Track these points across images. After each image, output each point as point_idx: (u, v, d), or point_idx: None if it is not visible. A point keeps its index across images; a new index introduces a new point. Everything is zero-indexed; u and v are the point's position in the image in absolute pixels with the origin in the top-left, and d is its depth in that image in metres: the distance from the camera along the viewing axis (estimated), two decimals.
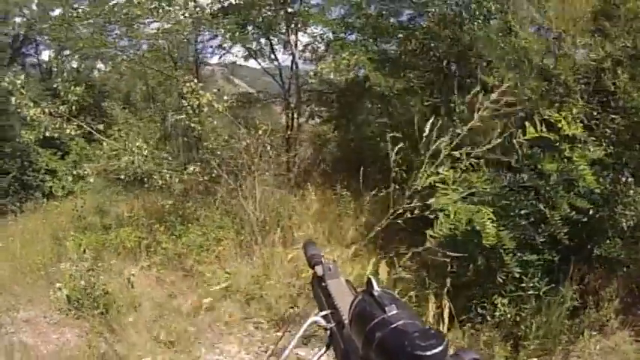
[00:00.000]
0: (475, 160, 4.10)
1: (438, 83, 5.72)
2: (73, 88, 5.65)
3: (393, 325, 0.55)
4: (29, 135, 5.70)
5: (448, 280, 3.98)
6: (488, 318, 3.97)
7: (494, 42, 4.65)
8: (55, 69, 9.32)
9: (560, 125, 3.75)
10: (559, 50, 4.43)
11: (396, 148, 4.38)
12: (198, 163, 5.70)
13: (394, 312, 0.57)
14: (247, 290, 4.88)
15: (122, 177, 5.79)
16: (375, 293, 0.60)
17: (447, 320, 3.81)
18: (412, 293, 4.01)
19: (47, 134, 5.54)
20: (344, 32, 6.02)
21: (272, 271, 5.02)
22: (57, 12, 7.48)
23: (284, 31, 6.25)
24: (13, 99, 5.51)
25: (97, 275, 4.76)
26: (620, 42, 4.33)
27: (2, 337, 4.58)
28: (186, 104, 5.21)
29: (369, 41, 5.83)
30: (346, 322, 0.71)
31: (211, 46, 6.86)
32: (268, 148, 5.65)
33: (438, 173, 4.03)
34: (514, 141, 3.93)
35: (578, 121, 4.27)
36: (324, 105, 6.94)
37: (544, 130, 3.74)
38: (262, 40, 6.67)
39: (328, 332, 0.77)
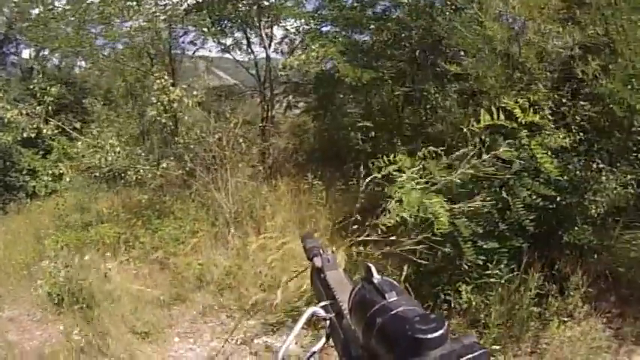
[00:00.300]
0: (434, 149, 4.12)
1: (410, 73, 5.81)
2: (48, 89, 5.76)
3: (393, 311, 0.56)
4: (7, 137, 5.83)
5: (406, 267, 4.06)
6: (455, 305, 4.03)
7: (460, 32, 4.71)
8: (36, 67, 9.41)
9: (515, 113, 3.74)
10: (523, 38, 4.47)
11: (361, 137, 4.46)
12: (172, 158, 5.83)
13: (394, 298, 0.58)
14: (220, 280, 5.04)
15: (97, 174, 5.88)
16: (375, 281, 0.62)
17: None
18: None
19: (25, 135, 5.67)
20: (318, 25, 6.11)
21: (244, 261, 5.17)
22: (36, 11, 7.55)
23: (258, 25, 6.33)
24: None
25: (75, 271, 4.91)
26: (590, 29, 4.37)
27: None
28: (156, 101, 5.32)
29: (341, 33, 5.92)
30: (345, 312, 0.73)
31: (183, 42, 6.97)
32: (240, 140, 5.78)
33: (395, 162, 4.11)
34: (467, 128, 3.93)
35: (543, 108, 4.40)
36: (301, 96, 7.06)
37: (501, 117, 3.83)
38: (238, 34, 6.77)
39: (328, 323, 0.78)
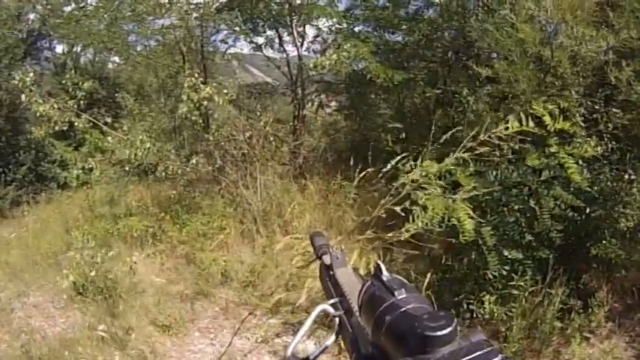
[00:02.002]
0: (462, 155, 4.08)
1: (442, 75, 5.90)
2: (81, 83, 6.10)
3: (402, 309, 0.58)
4: (39, 131, 6.21)
5: (429, 274, 4.14)
6: (477, 315, 4.05)
7: (492, 34, 4.77)
8: (69, 63, 9.87)
9: (545, 120, 3.76)
10: (555, 42, 4.49)
11: (392, 139, 4.54)
12: (202, 155, 6.09)
13: (403, 296, 0.60)
14: (244, 277, 5.25)
15: (127, 168, 6.20)
16: (384, 278, 0.63)
17: None
18: None
19: (57, 129, 6.03)
20: (350, 24, 6.28)
21: (270, 260, 5.38)
22: (69, 8, 7.98)
23: (289, 23, 6.53)
24: (22, 96, 5.98)
25: (101, 262, 5.22)
26: (625, 33, 4.31)
27: (12, 321, 5.08)
28: (186, 98, 5.58)
29: (373, 33, 6.06)
30: (355, 309, 0.75)
31: (215, 40, 7.23)
32: (271, 138, 5.99)
33: (422, 167, 4.14)
34: (495, 135, 3.95)
35: (574, 115, 4.40)
36: (332, 95, 7.23)
37: (530, 124, 3.80)
38: (270, 33, 6.99)
39: (337, 321, 0.79)
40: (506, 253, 4.00)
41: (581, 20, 4.44)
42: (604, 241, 4.07)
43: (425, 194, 4.01)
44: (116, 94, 9.03)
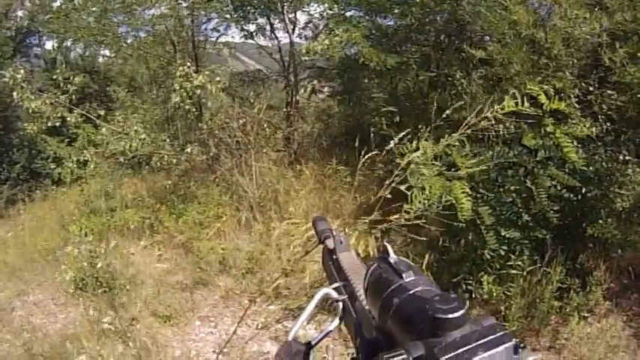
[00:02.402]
0: (458, 136, 4.06)
1: (435, 58, 5.87)
2: (72, 78, 6.03)
3: (411, 291, 0.56)
4: (32, 127, 6.15)
5: (427, 255, 4.15)
6: (475, 296, 4.05)
7: (485, 16, 4.76)
8: (59, 58, 9.75)
9: (540, 100, 3.70)
10: (549, 23, 4.47)
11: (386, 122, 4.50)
12: (196, 144, 6.05)
13: (412, 278, 0.58)
14: (243, 265, 5.24)
15: (121, 160, 6.15)
16: (391, 260, 0.62)
17: None
18: None
19: (49, 124, 5.97)
20: (342, 9, 6.22)
21: (267, 247, 5.37)
22: (57, 3, 7.89)
23: (281, 10, 6.46)
24: (14, 94, 5.91)
25: (99, 256, 5.20)
26: (618, 16, 4.28)
27: (13, 320, 5.04)
28: (179, 87, 5.53)
29: (364, 17, 6.01)
30: (359, 294, 0.74)
31: (206, 29, 7.15)
32: (265, 125, 5.96)
33: (418, 149, 4.19)
34: (490, 114, 3.92)
35: (569, 96, 4.39)
36: (325, 81, 7.18)
37: (525, 104, 3.85)
38: (261, 20, 6.92)
39: (340, 305, 0.78)
40: (503, 232, 3.99)
41: (575, 2, 4.41)
42: (600, 221, 4.11)
43: (421, 174, 3.96)
44: (107, 88, 8.95)
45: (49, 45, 10.74)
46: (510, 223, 4.05)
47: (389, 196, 4.00)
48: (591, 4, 4.48)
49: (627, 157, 4.30)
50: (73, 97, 6.10)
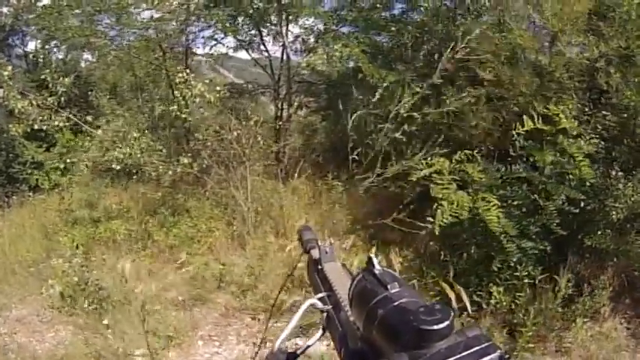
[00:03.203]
0: (469, 152, 4.04)
1: (429, 76, 5.57)
2: (61, 79, 5.32)
3: (395, 303, 0.52)
4: (17, 128, 5.38)
5: (451, 268, 3.93)
6: (484, 306, 3.90)
7: (487, 37, 4.55)
8: (42, 60, 8.81)
9: (557, 119, 3.75)
10: (553, 48, 4.33)
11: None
12: (189, 155, 5.44)
13: (396, 289, 0.54)
14: (241, 281, 4.70)
15: (116, 168, 5.45)
16: (376, 272, 0.57)
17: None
18: (414, 282, 3.90)
19: (36, 127, 5.23)
20: (335, 24, 5.82)
21: (266, 262, 4.85)
22: (44, 2, 7.10)
23: (275, 22, 5.97)
24: (0, 91, 5.17)
25: (90, 270, 4.52)
26: (614, 42, 4.30)
27: None
28: (178, 95, 4.95)
29: (361, 34, 5.63)
30: (344, 304, 0.68)
31: (202, 37, 6.56)
32: (259, 138, 5.44)
33: (432, 165, 3.99)
34: (514, 132, 3.87)
35: (573, 116, 4.27)
36: (312, 96, 6.74)
37: (540, 123, 3.74)
38: (253, 32, 6.40)
39: (325, 315, 0.73)
40: (521, 243, 3.87)
41: (576, 29, 4.32)
42: (599, 232, 4.10)
43: (444, 188, 3.91)
44: (89, 93, 8.11)
45: (31, 46, 9.73)
46: (522, 235, 3.94)
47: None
48: (588, 31, 4.39)
49: (619, 174, 4.28)
50: (62, 99, 5.37)
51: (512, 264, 3.89)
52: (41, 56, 8.97)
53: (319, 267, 0.81)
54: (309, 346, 0.73)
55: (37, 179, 7.35)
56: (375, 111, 5.22)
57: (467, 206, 3.71)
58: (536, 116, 3.71)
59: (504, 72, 4.37)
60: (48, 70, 5.58)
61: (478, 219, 3.84)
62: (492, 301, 3.87)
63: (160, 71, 6.67)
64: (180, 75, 5.02)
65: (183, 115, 5.13)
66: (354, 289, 0.59)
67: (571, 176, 4.05)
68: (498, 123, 4.55)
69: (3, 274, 5.34)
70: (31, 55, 9.27)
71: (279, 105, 6.30)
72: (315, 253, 0.84)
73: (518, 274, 3.87)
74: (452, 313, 0.46)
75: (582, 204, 4.05)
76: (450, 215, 3.68)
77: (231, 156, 5.35)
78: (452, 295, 3.68)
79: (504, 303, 3.85)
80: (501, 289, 3.89)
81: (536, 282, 3.87)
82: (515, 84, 4.35)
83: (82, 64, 9.36)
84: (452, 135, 4.72)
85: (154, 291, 4.83)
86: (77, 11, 5.81)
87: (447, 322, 0.45)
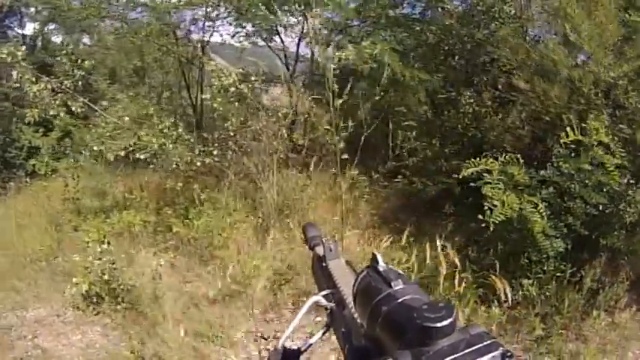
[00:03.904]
0: (513, 155, 4.01)
1: (450, 78, 5.36)
2: (80, 61, 4.67)
3: (399, 300, 0.48)
4: (33, 114, 4.67)
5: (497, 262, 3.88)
6: (516, 299, 3.88)
7: (520, 47, 4.41)
8: (40, 43, 7.81)
9: (594, 132, 3.81)
10: (585, 66, 4.26)
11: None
12: (216, 145, 4.92)
13: (400, 287, 0.50)
14: (274, 275, 4.33)
15: (141, 157, 4.86)
16: (380, 268, 0.53)
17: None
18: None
19: (52, 113, 4.57)
20: (360, 20, 5.44)
21: (294, 255, 4.50)
22: None
23: (300, 12, 5.47)
24: (14, 73, 4.48)
25: (119, 267, 4.00)
26: (635, 63, 4.28)
27: (14, 343, 3.70)
28: (216, 83, 4.44)
29: (386, 32, 5.29)
30: (347, 301, 0.64)
31: (225, 23, 5.94)
32: (283, 130, 5.02)
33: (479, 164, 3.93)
34: (561, 142, 3.88)
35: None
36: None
37: (578, 134, 3.80)
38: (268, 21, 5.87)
39: (328, 312, 0.69)
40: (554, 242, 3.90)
41: (605, 49, 4.28)
42: (615, 233, 4.15)
43: (496, 188, 3.87)
44: (88, 77, 7.28)
45: (29, 28, 8.56)
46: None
47: None
48: (611, 51, 4.33)
49: (631, 181, 4.34)
50: (79, 83, 4.73)
51: (542, 259, 3.95)
52: (39, 38, 7.95)
53: (323, 264, 0.76)
54: (312, 343, 0.67)
55: (33, 164, 6.55)
56: (399, 108, 4.92)
57: (516, 206, 3.69)
58: (575, 128, 3.77)
59: (537, 82, 4.27)
60: (64, 52, 4.87)
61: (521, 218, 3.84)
62: (521, 294, 3.91)
63: (171, 56, 6.06)
64: (212, 63, 4.51)
65: (215, 105, 4.62)
66: (357, 286, 0.55)
67: (592, 182, 4.07)
68: (531, 129, 4.43)
69: (11, 268, 4.70)
70: (28, 38, 8.15)
71: (298, 97, 5.82)
72: (319, 250, 0.78)
73: (545, 268, 3.96)
74: (455, 311, 0.43)
75: (601, 207, 4.10)
76: (501, 213, 3.64)
77: (259, 147, 4.90)
78: (500, 286, 3.62)
79: (534, 294, 3.89)
80: (530, 282, 3.94)
81: (565, 276, 3.93)
82: (547, 95, 4.26)
83: (81, 47, 8.38)
84: (485, 138, 4.55)
85: (181, 287, 4.40)
86: None
87: (450, 320, 0.42)
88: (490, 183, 3.86)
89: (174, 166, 4.87)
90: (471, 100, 4.94)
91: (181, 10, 5.19)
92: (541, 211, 3.77)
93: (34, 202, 5.80)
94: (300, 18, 5.65)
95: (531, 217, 3.69)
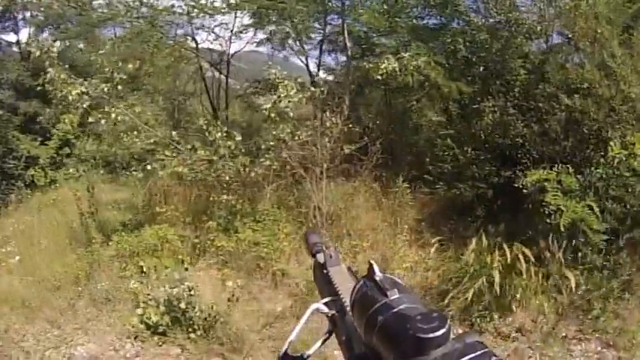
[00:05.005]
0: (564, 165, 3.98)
1: (482, 89, 5.15)
2: (121, 64, 3.79)
3: (394, 310, 0.44)
4: (71, 119, 3.70)
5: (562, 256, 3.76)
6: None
7: (558, 66, 4.33)
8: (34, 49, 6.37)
9: (631, 145, 3.82)
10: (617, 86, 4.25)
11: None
12: (267, 155, 4.23)
13: (396, 296, 0.45)
14: None
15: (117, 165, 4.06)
16: (377, 278, 0.47)
17: None
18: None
19: (91, 119, 3.65)
20: (389, 31, 5.03)
21: (360, 264, 4.02)
22: None
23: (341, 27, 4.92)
24: (51, 71, 3.50)
25: (195, 292, 3.21)
26: None
27: None
28: (282, 93, 3.79)
29: (417, 43, 4.92)
30: (348, 308, 0.56)
31: (248, 31, 5.21)
32: (326, 140, 4.48)
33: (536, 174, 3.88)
34: (609, 154, 3.87)
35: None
36: (367, 101, 5.79)
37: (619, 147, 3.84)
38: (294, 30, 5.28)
39: (330, 319, 0.61)
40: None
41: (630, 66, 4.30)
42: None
43: (552, 195, 3.82)
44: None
45: (24, 34, 6.97)
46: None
47: None
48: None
49: None
50: (119, 87, 3.86)
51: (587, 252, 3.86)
52: (34, 44, 6.49)
53: (324, 271, 0.67)
54: (315, 350, 0.57)
55: (32, 175, 5.32)
56: (437, 118, 4.61)
57: (579, 210, 3.69)
58: (615, 142, 3.83)
59: (578, 100, 4.22)
60: (102, 52, 3.93)
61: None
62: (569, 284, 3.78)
63: (184, 62, 5.25)
64: (273, 72, 3.86)
65: (272, 114, 3.94)
66: (355, 296, 0.49)
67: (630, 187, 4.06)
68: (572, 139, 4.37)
69: (40, 295, 3.67)
70: (24, 44, 6.57)
71: (331, 108, 5.22)
72: (320, 257, 0.70)
73: (589, 259, 3.87)
74: (448, 321, 0.39)
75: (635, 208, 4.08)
76: (567, 216, 3.63)
77: (304, 157, 4.32)
78: (571, 276, 3.62)
79: (581, 283, 3.82)
80: (577, 272, 3.85)
81: (605, 265, 3.87)
82: (587, 111, 4.21)
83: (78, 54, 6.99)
84: (517, 146, 4.48)
85: (245, 304, 3.70)
86: None
87: (443, 330, 0.38)
88: (550, 191, 3.81)
89: (227, 178, 4.11)
90: (500, 111, 4.78)
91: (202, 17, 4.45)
92: (595, 212, 3.76)
93: (44, 217, 4.66)
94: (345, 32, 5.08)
95: (588, 217, 3.72)
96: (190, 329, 3.21)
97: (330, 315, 0.60)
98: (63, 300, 3.67)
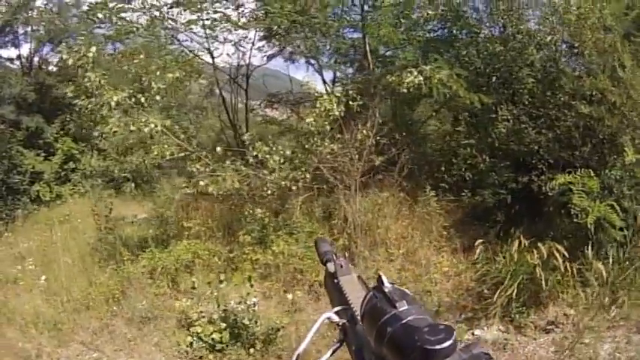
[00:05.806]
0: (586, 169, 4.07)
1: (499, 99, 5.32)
2: (160, 73, 3.61)
3: (403, 321, 0.45)
4: (108, 130, 3.46)
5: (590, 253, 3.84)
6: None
7: (571, 76, 4.57)
8: (37, 62, 5.91)
9: None
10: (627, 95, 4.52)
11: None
12: (303, 169, 4.13)
13: (404, 308, 0.46)
14: None
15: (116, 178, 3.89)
16: (386, 289, 0.48)
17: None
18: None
19: (133, 127, 3.43)
20: (406, 44, 5.15)
21: (392, 273, 3.98)
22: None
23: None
24: (90, 75, 3.28)
25: (252, 307, 3.03)
26: None
27: None
28: (321, 108, 3.76)
29: (435, 55, 5.06)
30: (359, 317, 0.57)
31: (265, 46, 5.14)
32: (356, 152, 4.46)
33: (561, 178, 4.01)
34: (627, 158, 3.99)
35: None
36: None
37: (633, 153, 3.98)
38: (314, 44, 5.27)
39: (341, 328, 0.61)
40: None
41: None
42: None
43: (579, 197, 3.95)
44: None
45: (25, 48, 6.46)
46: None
47: None
48: None
49: None
50: (158, 97, 3.67)
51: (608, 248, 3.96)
52: (36, 57, 6.04)
53: (335, 280, 0.69)
54: (327, 358, 0.60)
55: (37, 190, 4.89)
56: (457, 128, 4.73)
57: (602, 209, 3.82)
58: (630, 148, 3.97)
59: (592, 107, 4.39)
60: (136, 61, 3.74)
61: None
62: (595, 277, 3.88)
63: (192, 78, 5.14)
64: (311, 86, 3.83)
65: (312, 128, 3.88)
66: (365, 307, 0.51)
67: None
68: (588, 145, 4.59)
69: (71, 316, 3.33)
70: (25, 58, 6.10)
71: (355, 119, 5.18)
72: (330, 267, 0.71)
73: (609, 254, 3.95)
74: (454, 333, 0.40)
75: None
76: (593, 216, 3.75)
77: (337, 168, 4.28)
78: (602, 269, 3.70)
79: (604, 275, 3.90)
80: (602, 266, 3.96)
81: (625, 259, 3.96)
82: (601, 117, 4.38)
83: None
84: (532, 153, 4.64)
85: (287, 317, 3.53)
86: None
87: (450, 342, 0.39)
88: (576, 193, 3.95)
89: (269, 192, 3.97)
90: (513, 119, 4.94)
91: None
92: (617, 210, 3.90)
93: (58, 234, 4.27)
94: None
95: (610, 215, 3.86)
96: (248, 344, 3.03)
97: (340, 324, 0.60)
98: (95, 320, 3.36)
